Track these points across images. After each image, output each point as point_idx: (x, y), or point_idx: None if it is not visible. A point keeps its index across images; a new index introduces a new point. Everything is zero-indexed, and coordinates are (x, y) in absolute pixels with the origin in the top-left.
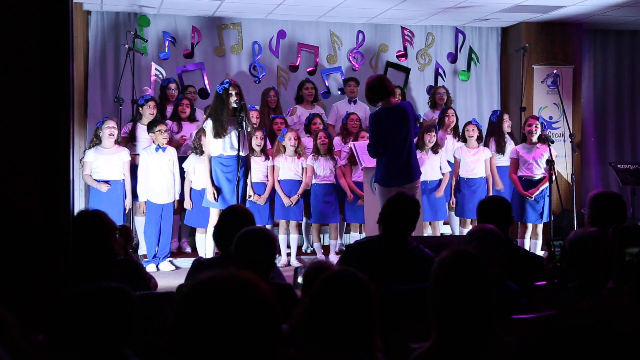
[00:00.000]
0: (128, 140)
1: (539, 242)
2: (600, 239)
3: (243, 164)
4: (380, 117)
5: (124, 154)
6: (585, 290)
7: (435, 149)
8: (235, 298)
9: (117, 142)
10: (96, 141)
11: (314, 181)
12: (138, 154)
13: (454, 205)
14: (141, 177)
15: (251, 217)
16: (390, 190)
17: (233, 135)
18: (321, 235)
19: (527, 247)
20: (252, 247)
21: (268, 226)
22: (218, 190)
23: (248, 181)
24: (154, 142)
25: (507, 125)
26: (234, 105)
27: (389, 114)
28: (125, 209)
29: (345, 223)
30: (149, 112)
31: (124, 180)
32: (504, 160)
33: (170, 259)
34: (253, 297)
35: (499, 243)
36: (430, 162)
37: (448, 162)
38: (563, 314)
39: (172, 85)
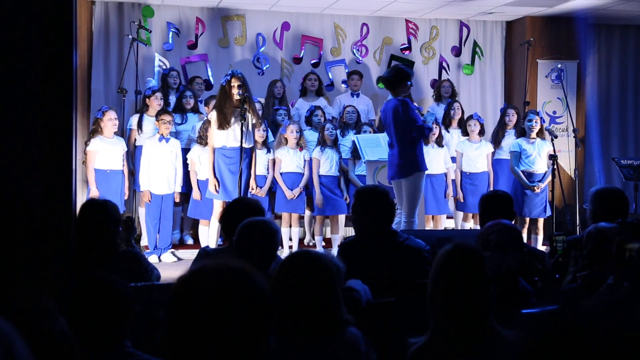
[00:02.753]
0: (135, 132)
1: (540, 237)
2: (620, 234)
3: (247, 156)
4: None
5: (124, 144)
6: (594, 282)
7: (440, 142)
8: (227, 288)
9: (115, 133)
10: (99, 131)
11: (320, 173)
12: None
13: (462, 200)
14: (143, 167)
15: (260, 209)
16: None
17: (236, 127)
18: (323, 229)
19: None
20: (254, 239)
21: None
22: (219, 182)
23: (252, 173)
24: (158, 131)
25: (507, 119)
26: (237, 97)
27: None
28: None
29: (345, 216)
30: (156, 103)
31: (123, 170)
32: (502, 154)
33: (173, 250)
34: (245, 288)
35: (518, 237)
36: (436, 156)
37: (451, 157)
38: (564, 309)
39: (174, 73)
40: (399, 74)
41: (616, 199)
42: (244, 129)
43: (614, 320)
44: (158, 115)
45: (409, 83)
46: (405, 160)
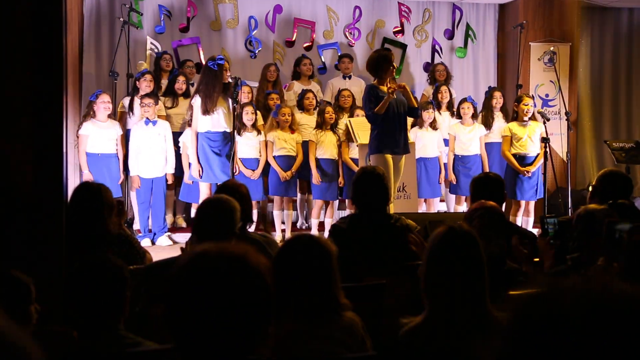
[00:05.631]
0: (126, 115)
1: (531, 219)
2: (609, 216)
3: (231, 140)
4: None
5: (118, 128)
6: (584, 264)
7: (434, 125)
8: (227, 273)
9: (109, 116)
10: (92, 114)
11: (317, 156)
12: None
13: (455, 183)
14: (132, 151)
15: (245, 192)
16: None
17: (221, 111)
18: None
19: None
20: (210, 218)
21: (262, 201)
22: (203, 166)
23: (235, 155)
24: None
25: (495, 102)
26: (229, 80)
27: None
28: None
29: (338, 200)
30: (145, 85)
31: (117, 153)
32: (492, 137)
33: (169, 233)
34: (246, 273)
35: (500, 221)
36: (430, 139)
37: (443, 139)
38: (550, 288)
39: (167, 57)
40: (373, 60)
41: (619, 181)
42: (231, 111)
43: (598, 300)
44: (141, 98)
45: (391, 67)
46: (370, 141)
